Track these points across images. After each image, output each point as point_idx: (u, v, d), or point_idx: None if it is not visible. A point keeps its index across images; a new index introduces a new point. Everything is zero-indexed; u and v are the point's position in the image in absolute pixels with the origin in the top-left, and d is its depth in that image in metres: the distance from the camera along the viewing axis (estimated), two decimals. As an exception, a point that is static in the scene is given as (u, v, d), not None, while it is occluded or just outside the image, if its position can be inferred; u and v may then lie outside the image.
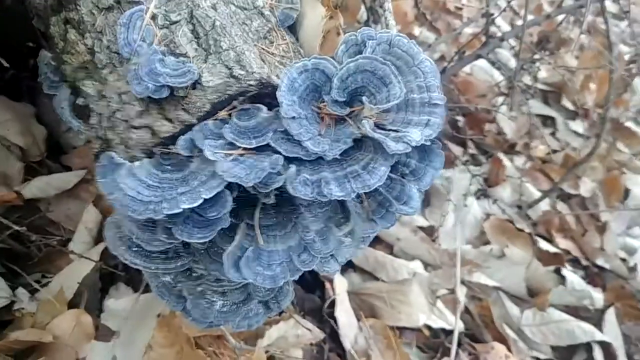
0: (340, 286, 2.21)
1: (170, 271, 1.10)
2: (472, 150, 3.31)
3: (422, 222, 2.67)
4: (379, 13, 1.99)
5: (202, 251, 1.11)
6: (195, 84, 1.03)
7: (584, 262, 2.91)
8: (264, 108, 1.05)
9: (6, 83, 1.76)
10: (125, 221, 1.09)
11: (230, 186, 1.02)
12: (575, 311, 2.56)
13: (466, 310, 2.34)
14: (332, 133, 1.03)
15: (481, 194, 2.98)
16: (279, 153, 0.99)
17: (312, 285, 2.33)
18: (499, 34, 2.32)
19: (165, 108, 1.07)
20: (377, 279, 2.35)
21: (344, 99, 1.03)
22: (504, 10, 2.20)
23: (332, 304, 2.21)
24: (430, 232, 2.61)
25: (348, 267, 2.43)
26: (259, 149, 1.02)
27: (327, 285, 2.22)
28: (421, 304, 2.19)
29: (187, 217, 1.02)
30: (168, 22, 1.07)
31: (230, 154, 1.01)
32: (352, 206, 1.11)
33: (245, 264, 1.03)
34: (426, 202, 2.79)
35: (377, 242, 2.53)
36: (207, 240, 1.00)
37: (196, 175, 1.02)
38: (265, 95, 1.08)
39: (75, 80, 1.21)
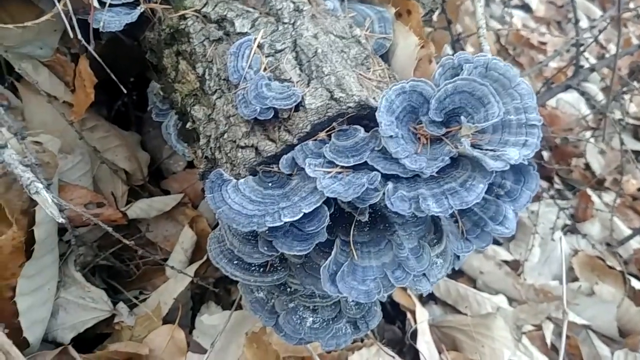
0: (421, 317, 2.18)
1: (267, 284, 1.15)
2: (558, 185, 3.22)
3: (507, 256, 2.61)
4: (463, 46, 2.02)
5: (299, 266, 1.16)
6: (299, 106, 1.10)
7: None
8: (362, 129, 1.10)
9: (116, 113, 1.93)
10: (227, 235, 1.15)
11: (327, 203, 1.06)
12: (672, 354, 2.38)
13: (553, 347, 2.24)
14: (428, 152, 1.06)
15: (568, 230, 2.87)
16: (376, 171, 1.03)
17: (393, 316, 2.32)
18: (587, 66, 2.28)
19: (269, 129, 1.14)
20: (459, 312, 2.30)
21: (441, 120, 1.06)
22: (595, 40, 2.17)
23: (413, 335, 2.18)
24: (515, 266, 2.54)
25: (429, 299, 2.40)
26: (356, 168, 1.07)
27: (409, 315, 2.20)
28: (506, 339, 2.11)
29: (287, 231, 1.07)
30: (274, 51, 1.16)
31: (329, 172, 1.05)
32: (446, 226, 1.13)
33: (340, 279, 1.07)
34: (511, 235, 2.73)
35: (459, 274, 2.49)
36: (305, 252, 1.05)
37: (297, 191, 1.08)
38: (363, 117, 1.13)
39: (185, 106, 1.32)
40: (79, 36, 1.19)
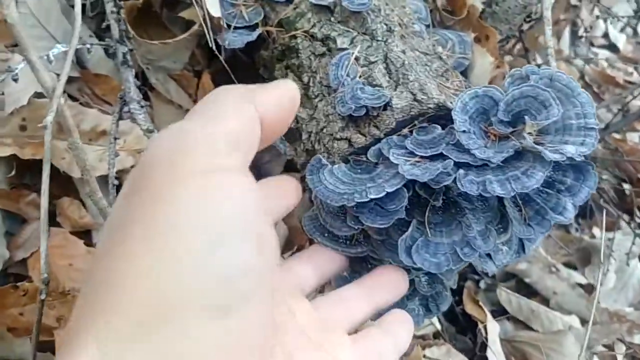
0: (492, 329, 2.28)
1: (352, 254, 1.36)
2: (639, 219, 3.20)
3: (581, 279, 2.65)
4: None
5: (379, 242, 1.36)
6: (386, 106, 1.32)
7: None
8: (439, 127, 1.31)
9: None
10: (321, 213, 1.38)
11: (406, 187, 1.27)
12: None
13: (626, 370, 2.26)
14: (496, 147, 1.24)
15: (648, 261, 2.86)
16: (450, 159, 1.23)
17: (465, 327, 2.43)
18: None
19: (360, 125, 1.37)
20: (530, 328, 2.38)
21: (508, 120, 1.25)
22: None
23: (483, 346, 2.28)
24: (589, 290, 2.58)
25: (501, 314, 2.49)
26: (432, 158, 1.27)
27: (480, 326, 2.31)
28: (576, 356, 2.17)
29: (371, 208, 1.28)
30: (368, 62, 1.40)
31: (410, 160, 1.26)
32: (511, 213, 1.29)
33: (415, 251, 1.26)
34: (586, 260, 2.76)
35: (533, 294, 2.56)
36: (386, 226, 1.25)
37: (381, 175, 1.29)
38: (441, 117, 1.34)
39: (291, 109, 1.58)
40: (213, 47, 1.49)
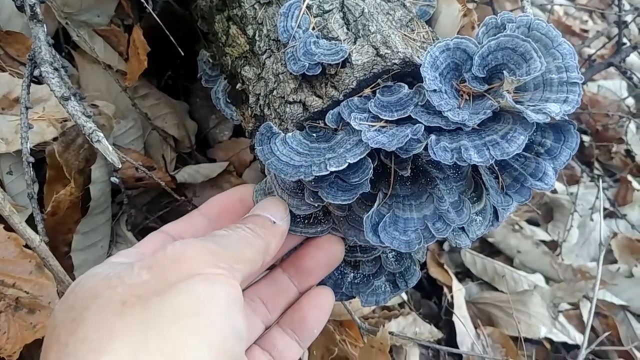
0: (457, 292, 2.21)
1: (310, 234, 1.20)
2: (598, 171, 3.18)
3: (544, 236, 2.60)
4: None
5: (342, 219, 1.21)
6: (345, 63, 1.15)
7: None
8: (406, 86, 1.14)
9: (165, 85, 2.02)
10: (277, 190, 1.21)
11: (370, 156, 1.11)
12: None
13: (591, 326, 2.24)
14: (470, 107, 1.09)
15: (607, 215, 2.85)
16: (420, 124, 1.07)
17: (429, 291, 2.36)
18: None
19: (315, 86, 1.19)
20: (495, 289, 2.32)
21: (484, 76, 1.09)
22: (638, 15, 2.14)
23: (449, 310, 2.21)
24: (552, 246, 2.54)
25: (466, 276, 2.43)
26: (399, 122, 1.11)
27: (445, 290, 2.23)
28: (542, 315, 2.13)
29: (332, 182, 1.12)
30: (322, 11, 1.21)
31: (374, 125, 1.10)
32: (487, 180, 1.16)
33: (382, 229, 1.11)
34: (549, 216, 2.72)
35: (496, 253, 2.50)
36: (349, 202, 1.09)
37: (342, 144, 1.12)
38: (407, 74, 1.17)
39: (235, 67, 1.38)
40: (140, -3, 1.27)
